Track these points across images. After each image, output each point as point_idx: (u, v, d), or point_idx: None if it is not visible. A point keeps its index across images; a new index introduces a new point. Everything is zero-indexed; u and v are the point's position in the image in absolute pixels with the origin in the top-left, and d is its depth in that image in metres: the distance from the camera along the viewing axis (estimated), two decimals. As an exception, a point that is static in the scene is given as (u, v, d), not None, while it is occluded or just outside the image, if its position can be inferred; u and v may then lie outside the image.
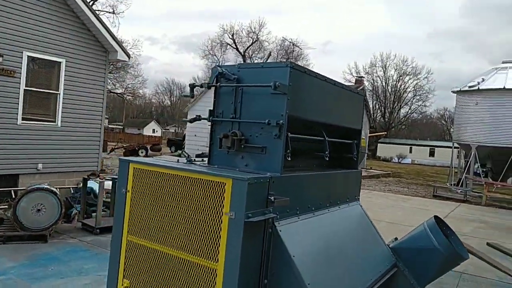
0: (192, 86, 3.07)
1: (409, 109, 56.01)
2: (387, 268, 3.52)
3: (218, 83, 2.87)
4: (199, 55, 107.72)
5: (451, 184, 20.56)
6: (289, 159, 2.78)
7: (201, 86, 3.04)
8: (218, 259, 2.48)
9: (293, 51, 46.14)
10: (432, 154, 49.18)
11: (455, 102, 21.43)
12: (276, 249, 2.59)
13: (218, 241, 2.48)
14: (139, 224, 2.92)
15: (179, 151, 25.56)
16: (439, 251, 3.51)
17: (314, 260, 2.78)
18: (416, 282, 3.64)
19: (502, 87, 18.48)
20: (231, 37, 45.55)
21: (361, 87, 29.32)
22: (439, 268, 3.64)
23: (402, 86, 54.07)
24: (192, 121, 3.14)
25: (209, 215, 2.54)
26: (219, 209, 2.49)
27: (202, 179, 2.59)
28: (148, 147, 30.69)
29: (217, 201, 2.50)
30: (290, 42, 45.93)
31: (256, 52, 46.74)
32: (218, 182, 2.51)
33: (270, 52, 46.68)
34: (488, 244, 8.08)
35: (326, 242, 3.08)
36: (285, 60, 46.90)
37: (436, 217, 3.80)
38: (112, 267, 3.05)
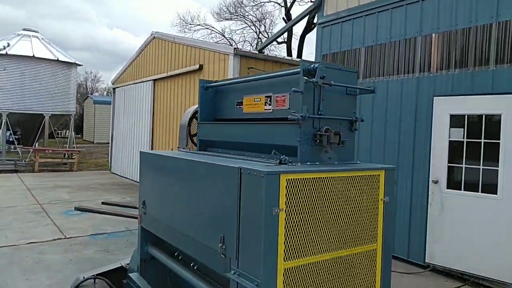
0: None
1: None
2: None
3: (331, 81, 2.81)
4: None
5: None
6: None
7: (315, 84, 2.69)
8: (377, 239, 2.87)
9: None
10: None
11: (-26, 64, 19.11)
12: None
13: (376, 224, 2.86)
14: (299, 244, 2.41)
15: None
16: None
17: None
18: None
19: (32, 55, 18.77)
20: None
21: None
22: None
23: None
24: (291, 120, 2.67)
25: (368, 204, 2.83)
26: (375, 197, 2.85)
27: (361, 175, 2.76)
28: None
29: (374, 190, 2.84)
30: None
31: None
32: (374, 175, 2.84)
33: None
34: (76, 208, 7.41)
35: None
36: None
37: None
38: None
